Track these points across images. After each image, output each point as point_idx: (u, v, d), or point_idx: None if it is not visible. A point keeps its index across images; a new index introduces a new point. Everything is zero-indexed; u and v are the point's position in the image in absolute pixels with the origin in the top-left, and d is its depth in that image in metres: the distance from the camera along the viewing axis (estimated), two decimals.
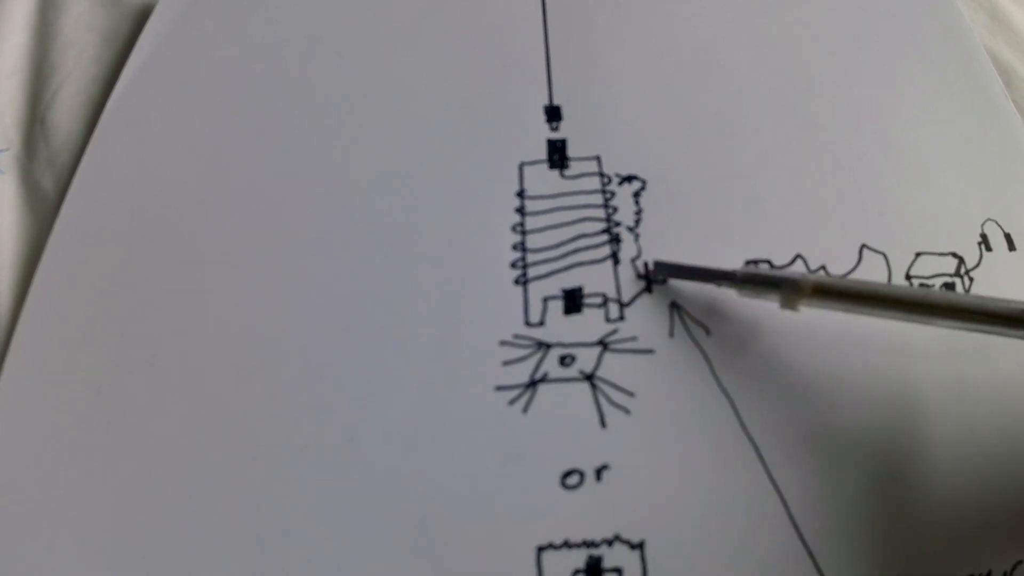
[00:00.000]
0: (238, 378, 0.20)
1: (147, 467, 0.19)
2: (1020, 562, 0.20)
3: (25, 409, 0.20)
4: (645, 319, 0.21)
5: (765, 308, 0.21)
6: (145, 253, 0.22)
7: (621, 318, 0.21)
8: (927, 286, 0.23)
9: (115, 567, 0.18)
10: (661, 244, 0.22)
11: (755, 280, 0.20)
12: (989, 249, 0.23)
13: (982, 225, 0.24)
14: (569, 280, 0.21)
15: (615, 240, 0.22)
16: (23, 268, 0.24)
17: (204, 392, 0.20)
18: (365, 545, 0.19)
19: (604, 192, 0.22)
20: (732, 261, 0.21)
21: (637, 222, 0.22)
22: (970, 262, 0.23)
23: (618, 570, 0.18)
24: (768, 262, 0.22)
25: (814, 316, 0.20)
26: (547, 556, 0.18)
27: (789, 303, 0.19)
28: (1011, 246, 0.24)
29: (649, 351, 0.20)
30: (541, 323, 0.21)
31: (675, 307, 0.21)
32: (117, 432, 0.20)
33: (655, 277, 0.21)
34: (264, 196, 0.23)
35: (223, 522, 0.19)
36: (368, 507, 0.19)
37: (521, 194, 0.22)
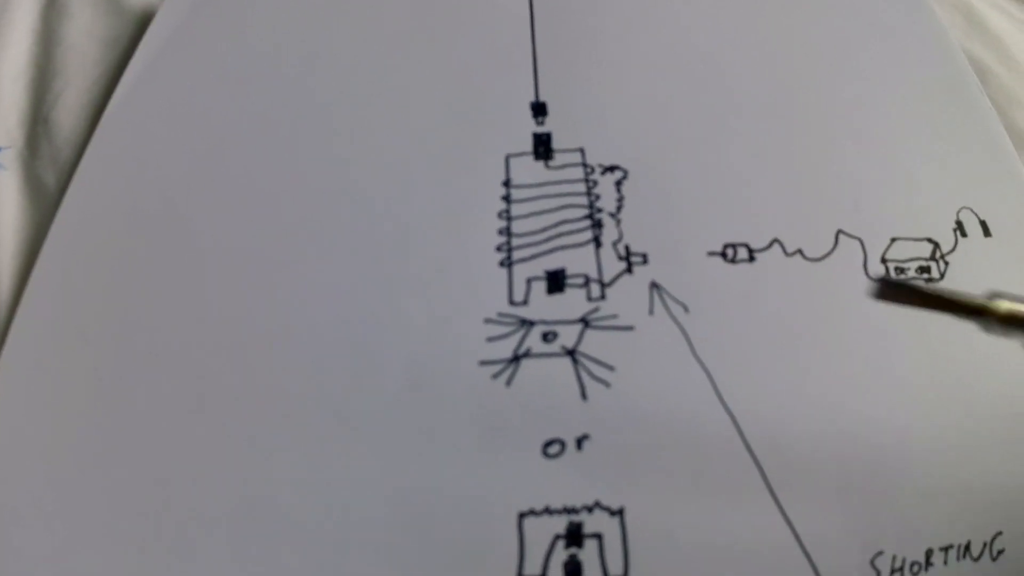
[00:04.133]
0: (231, 358, 0.22)
1: (144, 447, 0.21)
2: (1000, 533, 0.22)
3: (23, 396, 0.22)
4: (625, 298, 0.23)
5: (741, 287, 0.23)
6: (144, 244, 0.25)
7: (602, 297, 0.23)
8: (903, 272, 0.25)
9: (111, 535, 0.20)
10: (641, 228, 0.24)
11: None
12: (964, 235, 0.26)
13: (957, 212, 0.26)
14: (552, 262, 0.23)
15: (597, 225, 0.24)
16: (24, 259, 0.26)
17: (199, 372, 0.22)
18: (352, 515, 0.20)
19: (587, 181, 0.25)
20: (711, 244, 0.24)
21: (619, 208, 0.24)
22: (945, 247, 0.25)
23: (598, 536, 0.20)
24: (746, 245, 0.24)
25: (790, 295, 0.22)
26: (529, 522, 0.20)
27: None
28: (986, 232, 0.26)
29: (629, 328, 0.22)
30: (525, 302, 0.23)
31: (655, 287, 0.23)
32: (115, 412, 0.22)
33: (877, 298, 0.18)
34: (259, 187, 0.25)
35: (215, 494, 0.21)
36: (355, 478, 0.21)
37: (507, 183, 0.25)
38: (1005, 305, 0.16)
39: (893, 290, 0.18)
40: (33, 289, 0.24)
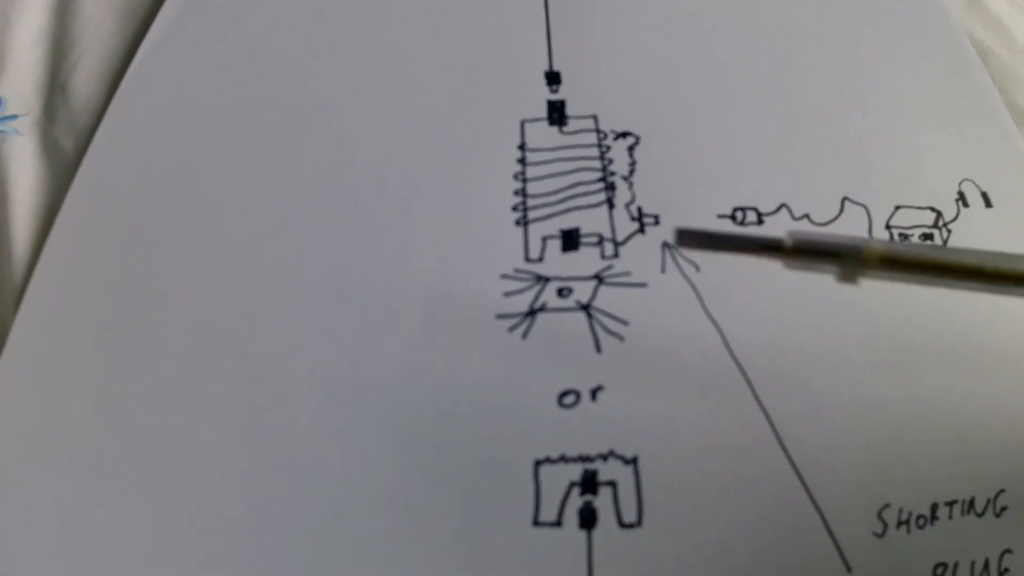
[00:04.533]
0: (248, 311, 0.23)
1: (156, 394, 0.22)
2: (1003, 490, 0.23)
3: (37, 364, 0.23)
4: (638, 257, 0.23)
5: None
6: (160, 207, 0.25)
7: (615, 256, 0.23)
8: (906, 236, 0.25)
9: (117, 484, 0.21)
10: (653, 191, 0.24)
11: (809, 250, 0.17)
12: (966, 205, 0.26)
13: (960, 184, 0.27)
14: (567, 222, 0.24)
15: (610, 188, 0.24)
16: (41, 221, 0.26)
17: (215, 324, 0.23)
18: (370, 464, 0.21)
19: (600, 146, 0.25)
20: (721, 207, 0.24)
21: (631, 172, 0.25)
22: (948, 216, 0.26)
23: (612, 483, 0.21)
24: (755, 209, 0.25)
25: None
26: (544, 469, 0.21)
27: (850, 276, 0.17)
28: (988, 203, 0.27)
29: (642, 284, 0.23)
30: (540, 259, 0.23)
31: (667, 246, 0.24)
32: (131, 363, 0.22)
33: (677, 246, 0.22)
34: (276, 152, 0.26)
35: (230, 445, 0.21)
36: (372, 428, 0.21)
37: (523, 147, 0.25)
38: (880, 247, 0.16)
39: (691, 238, 0.19)
40: (50, 252, 0.24)
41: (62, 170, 0.27)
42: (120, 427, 0.21)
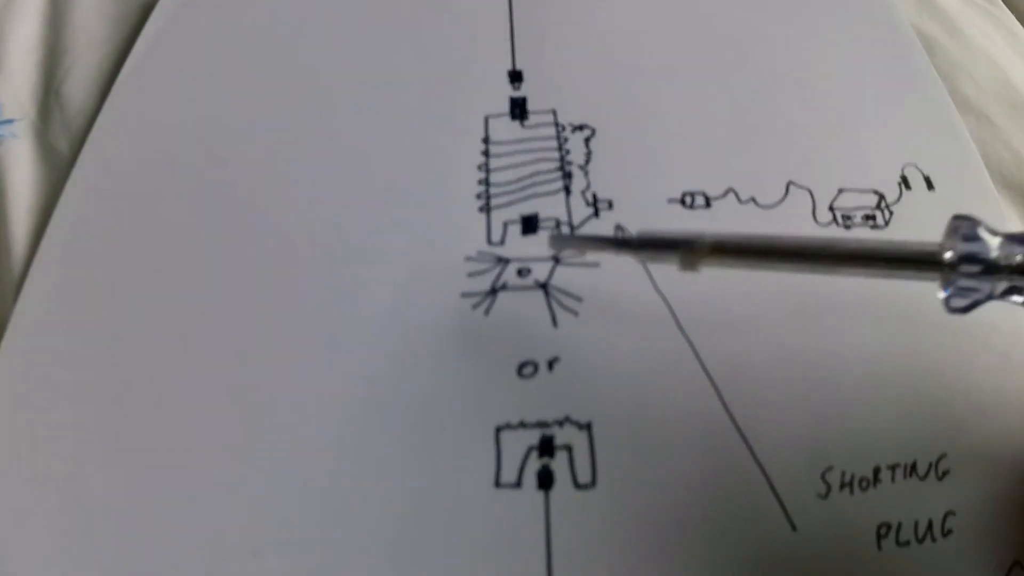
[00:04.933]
0: (231, 289, 0.24)
1: (151, 383, 0.23)
2: (945, 455, 0.24)
3: (34, 357, 0.24)
4: None
5: (699, 229, 0.25)
6: (155, 202, 0.27)
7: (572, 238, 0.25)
8: (850, 219, 0.27)
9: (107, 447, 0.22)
10: (608, 178, 0.26)
11: (652, 244, 0.20)
12: (908, 188, 0.28)
13: (902, 168, 0.28)
14: (527, 208, 0.26)
15: (567, 176, 0.26)
16: (38, 220, 0.28)
17: (202, 306, 0.24)
18: (343, 430, 0.22)
19: (559, 138, 0.27)
20: (671, 192, 0.26)
21: (587, 161, 0.27)
22: (890, 199, 0.28)
23: (568, 447, 0.22)
24: (703, 193, 0.26)
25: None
26: (505, 435, 0.22)
27: (689, 265, 0.20)
28: (930, 186, 0.28)
29: (595, 264, 0.24)
30: (502, 242, 0.25)
31: (619, 228, 0.25)
32: (124, 352, 0.24)
33: (553, 249, 0.24)
34: (261, 147, 0.27)
35: (208, 418, 0.23)
36: (345, 395, 0.23)
37: (486, 140, 0.27)
38: (709, 239, 0.19)
39: (562, 241, 0.23)
40: (46, 247, 0.26)
41: (58, 171, 0.29)
42: (116, 416, 0.23)
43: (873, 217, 0.27)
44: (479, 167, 0.26)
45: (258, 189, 0.26)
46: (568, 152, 0.27)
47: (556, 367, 0.23)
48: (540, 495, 0.22)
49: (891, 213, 0.27)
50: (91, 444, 0.23)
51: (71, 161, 0.28)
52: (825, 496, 0.23)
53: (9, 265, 0.27)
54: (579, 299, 0.24)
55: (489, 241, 0.25)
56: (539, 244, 0.25)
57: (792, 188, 0.27)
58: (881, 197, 0.27)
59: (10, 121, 0.30)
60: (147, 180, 0.27)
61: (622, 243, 0.21)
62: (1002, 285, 0.16)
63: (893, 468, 0.24)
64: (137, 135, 0.28)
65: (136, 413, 0.23)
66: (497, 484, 0.22)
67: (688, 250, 0.19)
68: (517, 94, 0.28)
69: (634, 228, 0.25)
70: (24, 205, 0.28)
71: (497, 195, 0.26)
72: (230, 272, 0.25)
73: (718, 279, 0.24)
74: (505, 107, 0.28)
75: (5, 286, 0.26)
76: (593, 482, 0.22)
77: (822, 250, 0.18)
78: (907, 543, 0.23)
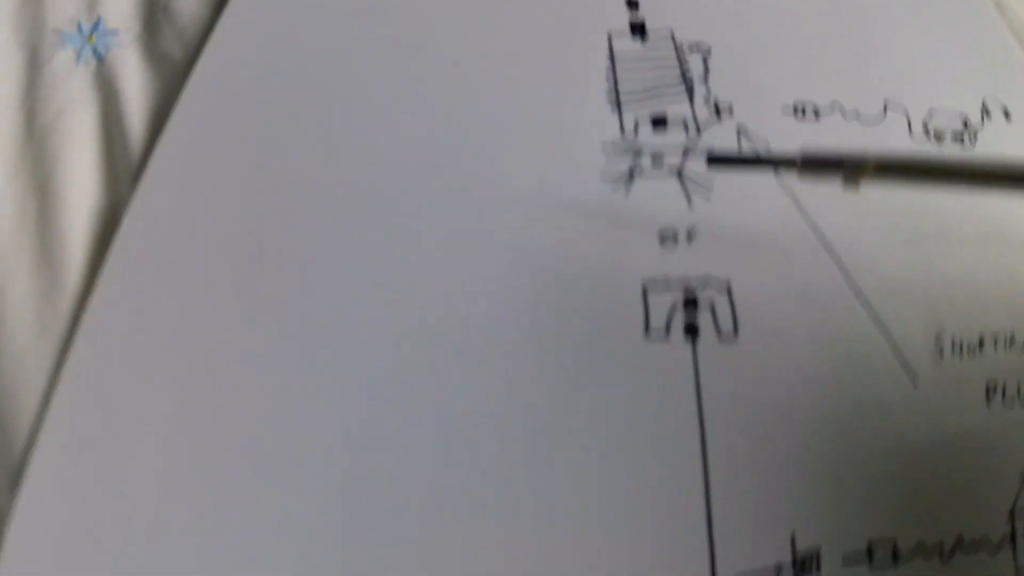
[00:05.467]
0: (370, 190, 0.26)
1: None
2: None
3: (145, 253, 0.25)
4: (717, 138, 0.28)
5: (811, 136, 0.28)
6: (273, 115, 0.27)
7: (698, 134, 0.28)
8: (941, 138, 0.30)
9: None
10: (726, 89, 0.29)
11: (816, 162, 0.21)
12: (989, 117, 0.31)
13: (983, 99, 0.31)
14: (655, 110, 0.28)
15: (689, 87, 0.29)
16: (152, 126, 0.27)
17: (328, 254, 0.25)
18: (508, 297, 0.24)
19: (678, 53, 0.30)
20: (783, 101, 0.29)
21: (706, 75, 0.29)
22: (974, 124, 0.30)
23: (711, 304, 0.24)
24: (814, 104, 0.29)
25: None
26: (652, 292, 0.24)
27: (851, 183, 0.20)
28: (1007, 117, 0.31)
29: None
30: (636, 134, 0.27)
31: (742, 130, 0.28)
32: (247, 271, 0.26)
33: (713, 170, 0.26)
34: (391, 65, 0.29)
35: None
36: (497, 257, 0.25)
37: (611, 56, 0.30)
38: (874, 157, 0.20)
39: (720, 161, 0.25)
40: (163, 149, 0.26)
41: (171, 76, 0.28)
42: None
43: (961, 137, 0.30)
44: (607, 78, 0.29)
45: (388, 108, 0.28)
46: (688, 67, 0.30)
47: (693, 236, 0.25)
48: (687, 346, 0.24)
49: (976, 139, 0.30)
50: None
51: (185, 68, 0.28)
52: (940, 356, 0.25)
53: (128, 162, 0.27)
54: (709, 188, 0.26)
55: (623, 132, 0.28)
56: (668, 138, 0.28)
57: (889, 106, 0.30)
58: (966, 121, 0.30)
59: (116, 31, 0.29)
60: (267, 94, 0.28)
61: (784, 162, 0.22)
62: None
63: (996, 339, 0.26)
64: (257, 47, 0.29)
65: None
66: (647, 333, 0.24)
67: (853, 168, 0.20)
68: (635, 19, 0.31)
69: (752, 131, 0.28)
70: (137, 107, 0.28)
71: (626, 101, 0.28)
72: (356, 199, 0.26)
73: None
74: (627, 31, 0.31)
75: (122, 174, 0.26)
76: (735, 332, 0.24)
77: (983, 169, 0.19)
78: (1012, 404, 0.25)
